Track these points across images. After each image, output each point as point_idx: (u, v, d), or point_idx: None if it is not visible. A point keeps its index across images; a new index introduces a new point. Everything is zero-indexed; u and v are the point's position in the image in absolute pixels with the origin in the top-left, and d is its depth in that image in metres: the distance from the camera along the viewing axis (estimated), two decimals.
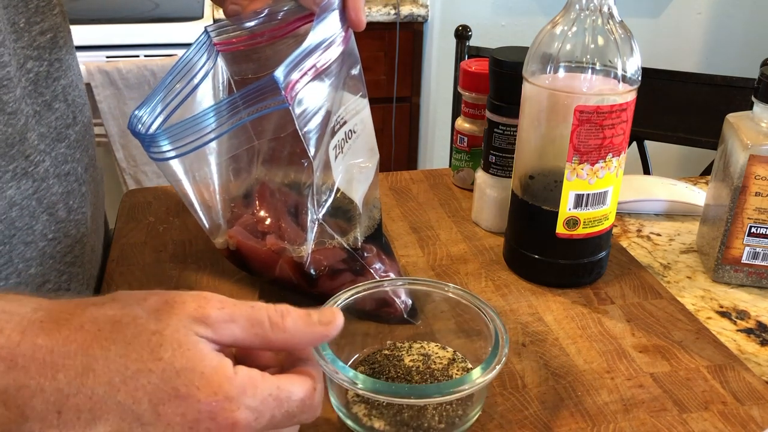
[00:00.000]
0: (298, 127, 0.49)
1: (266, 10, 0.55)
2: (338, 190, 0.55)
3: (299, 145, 0.50)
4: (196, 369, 0.35)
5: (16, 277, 0.53)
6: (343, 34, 0.52)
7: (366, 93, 0.58)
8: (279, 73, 0.46)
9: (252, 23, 0.55)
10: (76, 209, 0.61)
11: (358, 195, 0.57)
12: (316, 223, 0.54)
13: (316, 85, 0.50)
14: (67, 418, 0.34)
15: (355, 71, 0.56)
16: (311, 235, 0.54)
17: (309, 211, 0.54)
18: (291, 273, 0.56)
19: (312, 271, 0.55)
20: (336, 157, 0.54)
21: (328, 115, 0.52)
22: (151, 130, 0.49)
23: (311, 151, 0.50)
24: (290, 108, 0.47)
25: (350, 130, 0.56)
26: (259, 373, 0.38)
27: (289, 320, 0.39)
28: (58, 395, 0.33)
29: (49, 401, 0.33)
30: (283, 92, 0.46)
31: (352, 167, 0.57)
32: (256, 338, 0.38)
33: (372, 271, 0.56)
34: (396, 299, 0.55)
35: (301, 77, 0.48)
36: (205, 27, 0.55)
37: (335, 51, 0.51)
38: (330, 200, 0.55)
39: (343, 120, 0.55)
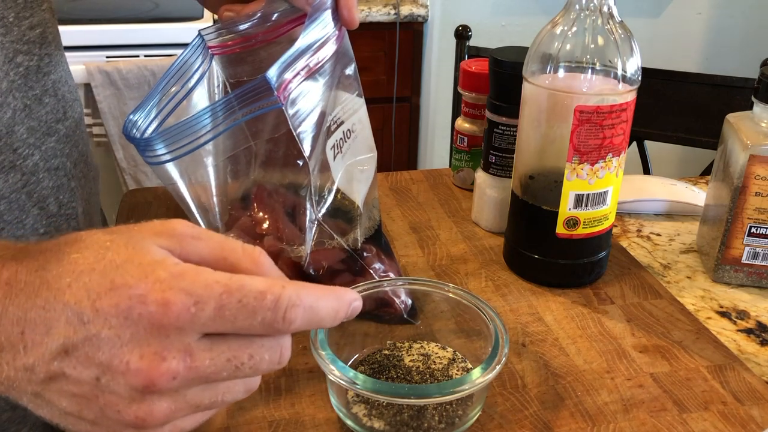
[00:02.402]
0: (291, 127, 0.49)
1: (260, 13, 0.55)
2: (338, 190, 0.55)
3: (295, 146, 0.50)
4: (134, 261, 0.33)
5: None
6: (337, 33, 0.52)
7: (362, 92, 0.58)
8: (271, 72, 0.46)
9: (246, 26, 0.55)
10: (66, 204, 0.61)
11: (358, 195, 0.57)
12: (315, 223, 0.54)
13: (309, 85, 0.50)
14: (29, 337, 0.33)
15: (349, 70, 0.56)
16: (310, 236, 0.54)
17: (308, 212, 0.54)
18: (290, 274, 0.56)
19: (311, 272, 0.55)
20: (335, 157, 0.54)
21: (323, 114, 0.52)
22: (147, 134, 0.49)
23: (306, 151, 0.50)
24: (283, 108, 0.47)
25: (348, 130, 0.56)
26: (210, 269, 0.34)
27: (264, 257, 0.36)
28: (19, 314, 0.33)
29: (13, 322, 0.33)
30: (275, 92, 0.46)
31: (352, 167, 0.57)
32: (224, 262, 0.35)
33: (371, 271, 0.56)
34: (396, 299, 0.55)
35: (294, 77, 0.48)
36: (199, 30, 0.55)
37: (329, 50, 0.51)
38: (330, 200, 0.55)
39: (340, 120, 0.55)
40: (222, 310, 0.33)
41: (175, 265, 0.34)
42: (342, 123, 0.55)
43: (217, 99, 0.56)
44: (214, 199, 0.57)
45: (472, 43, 1.37)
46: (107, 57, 1.67)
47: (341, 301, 0.37)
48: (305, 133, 0.50)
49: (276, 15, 0.55)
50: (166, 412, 0.34)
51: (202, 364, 0.34)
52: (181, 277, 0.33)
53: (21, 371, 0.33)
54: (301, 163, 0.51)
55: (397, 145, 2.16)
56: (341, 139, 0.55)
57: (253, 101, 0.46)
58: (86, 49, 1.65)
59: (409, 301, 0.56)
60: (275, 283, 0.34)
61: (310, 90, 0.50)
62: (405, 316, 0.56)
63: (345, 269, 0.56)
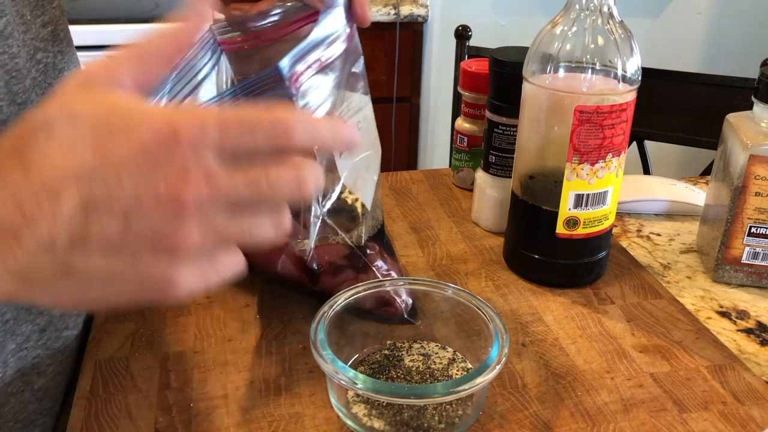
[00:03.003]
0: None
1: (271, 10, 0.55)
2: (344, 188, 0.55)
3: None
4: (122, 116, 0.34)
5: None
6: (348, 30, 0.52)
7: (368, 90, 0.58)
8: (284, 63, 0.46)
9: (256, 23, 0.55)
10: None
11: (364, 193, 0.57)
12: (320, 219, 0.54)
13: (319, 80, 0.50)
14: (33, 212, 0.33)
15: (357, 68, 0.56)
16: (314, 231, 0.54)
17: (312, 207, 0.54)
18: (293, 268, 0.56)
19: (314, 266, 0.55)
20: (341, 153, 0.54)
21: (332, 110, 0.52)
22: None
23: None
24: (294, 99, 0.47)
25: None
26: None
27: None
28: (8, 197, 0.33)
29: (6, 203, 0.33)
30: (287, 82, 0.46)
31: (359, 165, 0.57)
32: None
33: (374, 269, 0.56)
34: (396, 298, 0.55)
35: (306, 69, 0.48)
36: (210, 26, 0.55)
37: (339, 47, 0.51)
38: (335, 197, 0.55)
39: (346, 117, 0.55)
40: (225, 129, 0.34)
41: (162, 106, 0.36)
42: (347, 121, 0.55)
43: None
44: None
45: (472, 43, 1.37)
46: None
47: (334, 122, 0.38)
48: None
49: (286, 13, 0.55)
50: (197, 237, 0.35)
51: (222, 182, 0.35)
52: (176, 109, 0.35)
53: (36, 251, 0.33)
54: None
55: (397, 145, 2.16)
56: None
57: (264, 91, 0.46)
58: (86, 49, 1.65)
59: (410, 301, 0.56)
60: (265, 108, 0.36)
61: (320, 84, 0.50)
62: (405, 315, 0.56)
63: (348, 265, 0.56)
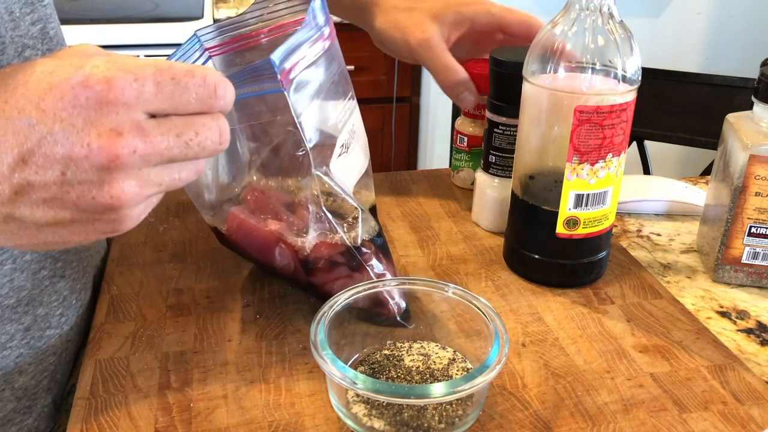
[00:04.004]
0: (294, 114, 0.48)
1: (254, 12, 0.55)
2: (335, 192, 0.55)
3: (295, 140, 0.50)
4: (65, 63, 0.36)
5: (11, 263, 0.53)
6: (328, 28, 0.52)
7: (354, 94, 0.57)
8: (276, 56, 0.45)
9: (241, 28, 0.55)
10: None
11: (360, 198, 0.57)
12: (319, 215, 0.54)
13: (309, 75, 0.50)
14: None
15: (342, 69, 0.55)
16: (313, 226, 0.54)
17: (312, 203, 0.53)
18: (291, 257, 0.56)
19: (311, 259, 0.55)
20: (339, 155, 0.54)
21: (327, 112, 0.52)
22: None
23: (308, 140, 0.50)
24: (285, 93, 0.47)
25: (344, 144, 0.55)
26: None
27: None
28: None
29: None
30: (279, 76, 0.46)
31: (350, 165, 0.57)
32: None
33: (368, 268, 0.56)
34: (390, 300, 0.55)
35: (294, 66, 0.48)
36: (195, 31, 0.55)
37: (322, 45, 0.51)
38: (333, 198, 0.55)
39: (344, 119, 0.55)
40: (160, 86, 0.36)
41: (107, 53, 0.36)
42: (345, 124, 0.55)
43: None
44: (210, 178, 0.57)
45: None
46: None
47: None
48: (306, 122, 0.50)
49: (271, 12, 0.55)
50: (136, 190, 0.36)
51: (155, 139, 0.36)
52: (115, 60, 0.36)
53: None
54: (302, 152, 0.51)
55: (397, 145, 2.16)
56: (346, 141, 0.55)
57: (254, 82, 0.46)
58: None
59: (403, 304, 0.56)
60: (197, 65, 0.38)
61: (310, 81, 0.50)
62: (398, 318, 0.56)
63: (343, 263, 0.56)
